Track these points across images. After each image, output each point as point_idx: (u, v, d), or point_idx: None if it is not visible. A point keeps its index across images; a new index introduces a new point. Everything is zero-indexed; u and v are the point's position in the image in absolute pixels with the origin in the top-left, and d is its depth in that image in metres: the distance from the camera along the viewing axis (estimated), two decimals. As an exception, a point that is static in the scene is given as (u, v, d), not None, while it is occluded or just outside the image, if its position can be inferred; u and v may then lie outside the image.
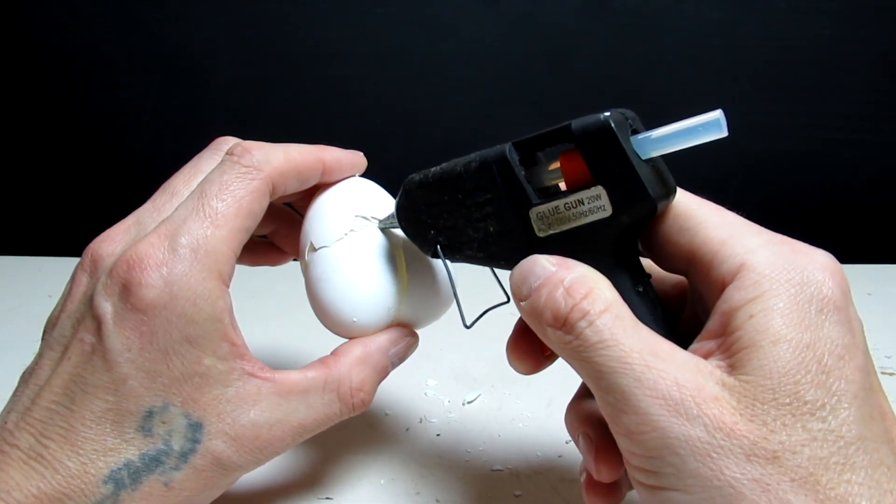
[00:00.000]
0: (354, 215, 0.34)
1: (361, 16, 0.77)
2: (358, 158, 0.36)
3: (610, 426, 0.25)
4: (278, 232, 0.40)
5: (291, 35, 0.78)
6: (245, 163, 0.31)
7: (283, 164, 0.32)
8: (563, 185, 0.28)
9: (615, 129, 0.25)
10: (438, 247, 0.31)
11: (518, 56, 0.78)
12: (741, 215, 0.27)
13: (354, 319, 0.33)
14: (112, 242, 0.30)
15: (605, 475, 0.28)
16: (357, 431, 0.41)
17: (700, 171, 0.80)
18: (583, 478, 0.30)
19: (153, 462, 0.27)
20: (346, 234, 0.33)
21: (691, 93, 0.78)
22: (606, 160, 0.25)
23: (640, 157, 0.25)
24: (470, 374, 0.49)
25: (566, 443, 0.40)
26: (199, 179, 0.32)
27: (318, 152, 0.34)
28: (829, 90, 0.78)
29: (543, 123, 0.27)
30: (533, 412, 0.44)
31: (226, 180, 0.30)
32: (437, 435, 0.42)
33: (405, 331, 0.34)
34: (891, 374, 0.49)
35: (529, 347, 0.30)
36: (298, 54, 0.79)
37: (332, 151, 0.35)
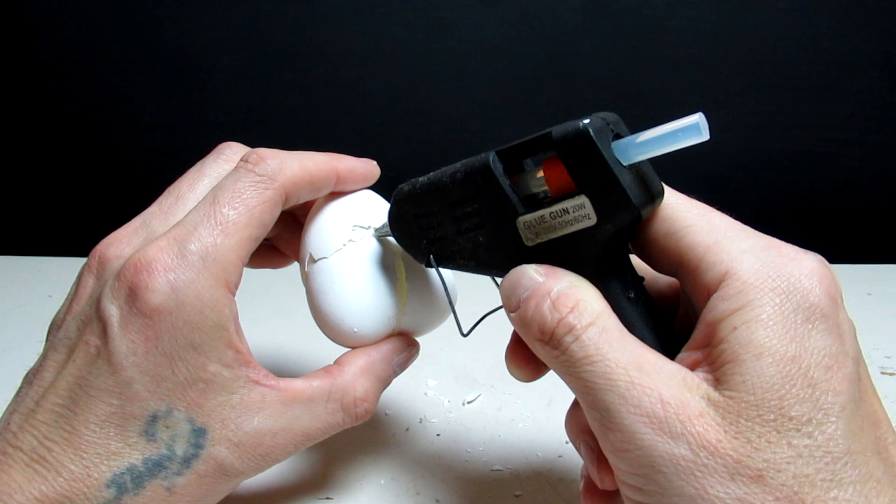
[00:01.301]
0: (353, 225, 0.34)
1: (362, 16, 0.77)
2: (371, 168, 0.36)
3: (598, 441, 0.25)
4: (281, 236, 0.40)
5: (291, 35, 0.78)
6: (259, 171, 0.30)
7: (297, 175, 0.31)
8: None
9: (594, 137, 0.24)
10: (431, 256, 0.31)
11: (518, 56, 0.78)
12: (740, 216, 0.26)
13: (356, 330, 0.33)
14: (119, 245, 0.30)
15: (608, 483, 0.27)
16: (357, 431, 0.41)
17: (700, 170, 0.80)
18: (581, 483, 0.30)
19: (156, 467, 0.27)
20: (344, 245, 0.33)
21: (691, 93, 0.78)
22: (587, 168, 0.25)
23: (621, 164, 0.25)
24: (470, 374, 0.49)
25: (566, 443, 0.40)
26: (204, 183, 0.32)
27: (333, 162, 0.34)
28: (829, 90, 0.78)
29: (543, 123, 0.27)
30: (533, 412, 0.44)
31: (239, 188, 0.30)
32: (437, 435, 0.42)
33: (407, 340, 0.34)
34: (891, 374, 0.49)
35: (527, 355, 0.30)
36: (298, 54, 0.79)
37: (345, 161, 0.34)
